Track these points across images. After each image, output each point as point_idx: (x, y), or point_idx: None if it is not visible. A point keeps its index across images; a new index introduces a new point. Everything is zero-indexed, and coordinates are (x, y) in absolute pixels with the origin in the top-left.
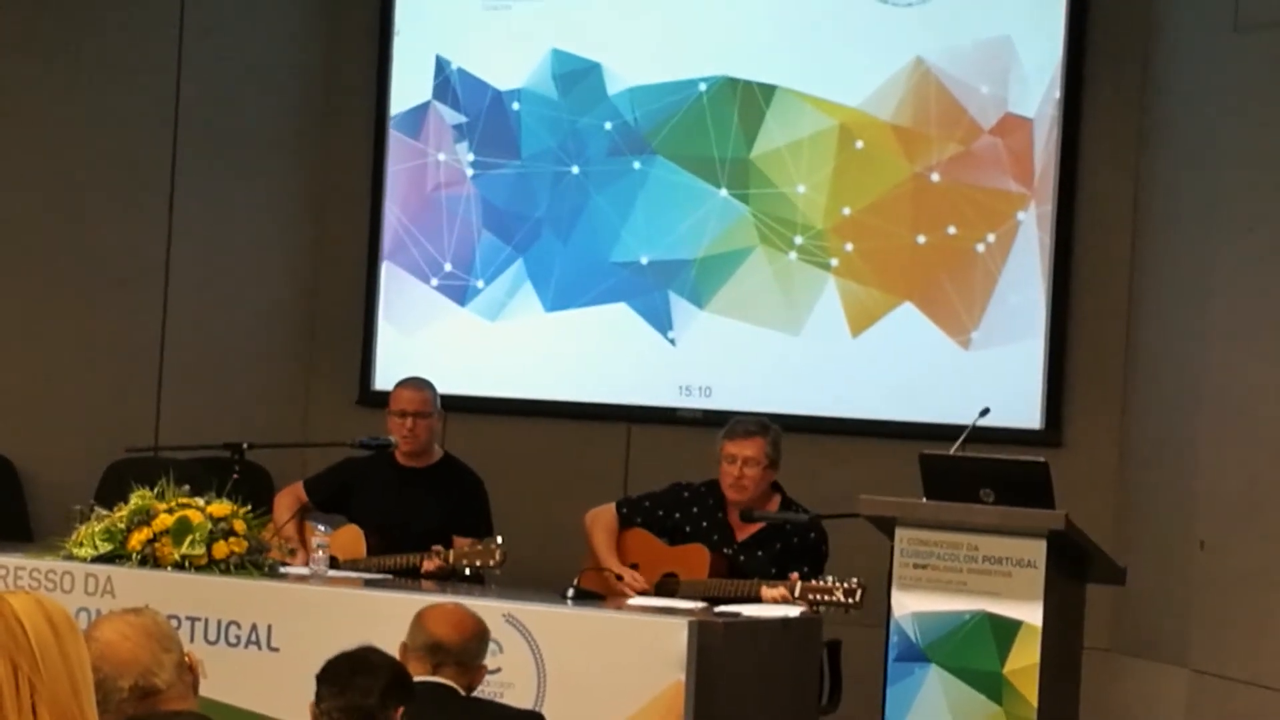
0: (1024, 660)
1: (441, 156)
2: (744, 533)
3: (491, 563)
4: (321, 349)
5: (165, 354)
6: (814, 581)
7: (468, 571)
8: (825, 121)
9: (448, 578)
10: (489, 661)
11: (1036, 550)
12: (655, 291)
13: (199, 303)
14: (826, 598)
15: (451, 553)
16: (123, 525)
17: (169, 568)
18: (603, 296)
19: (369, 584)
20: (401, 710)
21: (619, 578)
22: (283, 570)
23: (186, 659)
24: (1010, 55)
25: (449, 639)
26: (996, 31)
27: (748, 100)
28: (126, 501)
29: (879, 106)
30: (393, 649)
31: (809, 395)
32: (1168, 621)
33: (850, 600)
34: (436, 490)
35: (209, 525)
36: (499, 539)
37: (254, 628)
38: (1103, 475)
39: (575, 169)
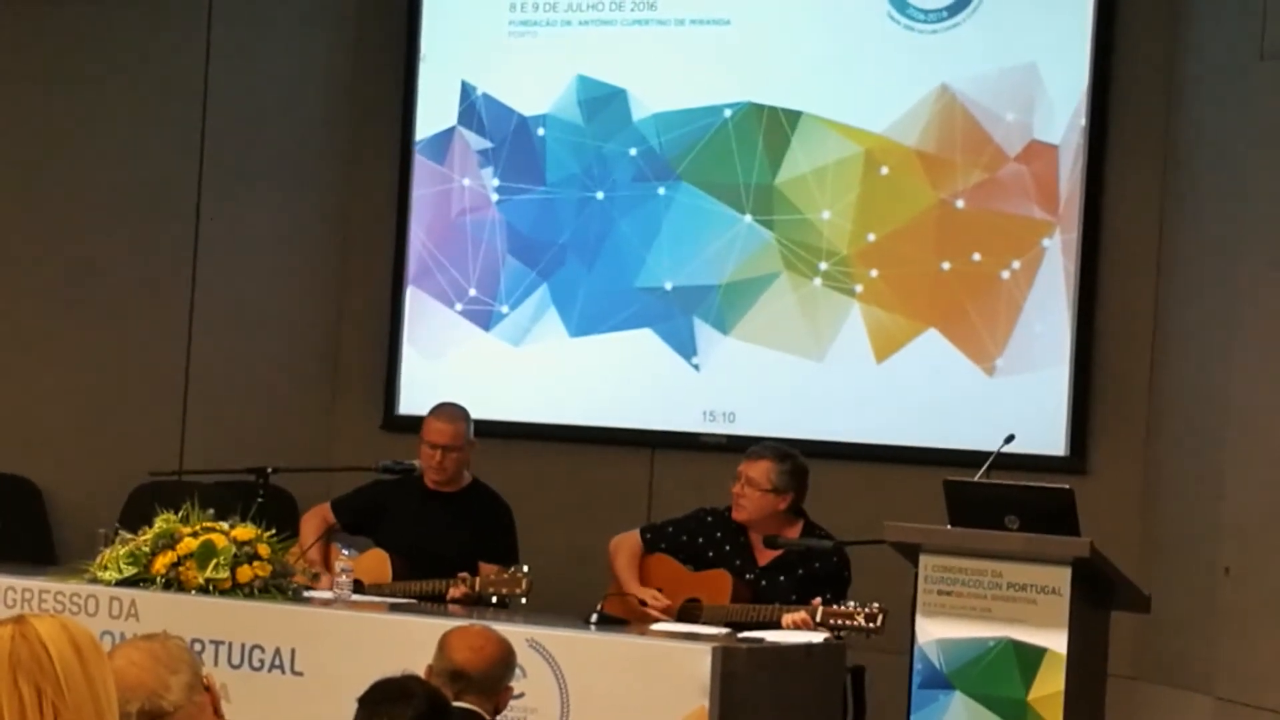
0: (1048, 688)
1: (466, 182)
2: (766, 558)
3: (517, 591)
4: (346, 373)
5: (190, 378)
6: (835, 606)
7: (494, 600)
8: (850, 148)
9: (473, 605)
10: (513, 685)
11: (1061, 577)
12: (679, 317)
13: (224, 327)
14: (848, 622)
15: (477, 580)
16: (147, 549)
17: (193, 591)
18: (627, 322)
19: (394, 608)
20: None
21: (643, 602)
22: (307, 594)
23: (205, 680)
24: (1035, 82)
25: (470, 666)
26: (1022, 59)
27: (773, 126)
28: (151, 525)
29: (904, 133)
30: (417, 674)
31: (833, 421)
32: (1193, 649)
33: (871, 625)
34: (464, 516)
35: (233, 549)
36: (525, 568)
37: (278, 652)
38: (1128, 502)
39: (600, 195)
